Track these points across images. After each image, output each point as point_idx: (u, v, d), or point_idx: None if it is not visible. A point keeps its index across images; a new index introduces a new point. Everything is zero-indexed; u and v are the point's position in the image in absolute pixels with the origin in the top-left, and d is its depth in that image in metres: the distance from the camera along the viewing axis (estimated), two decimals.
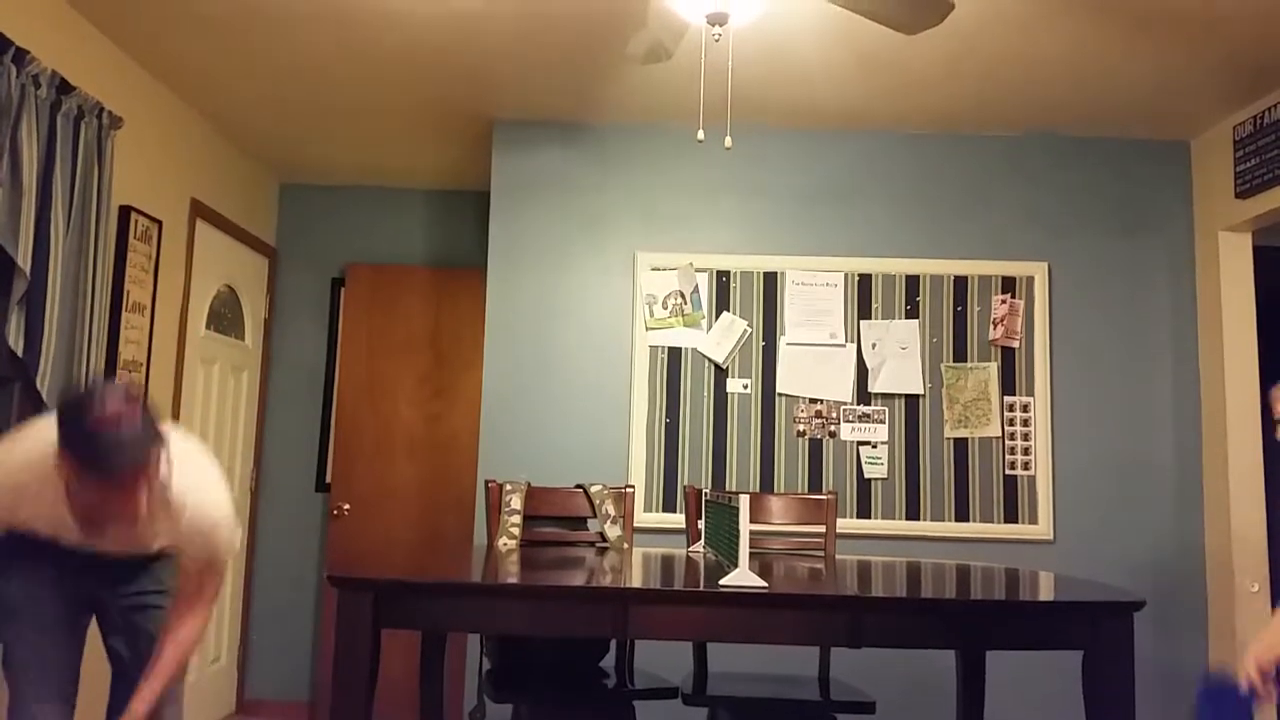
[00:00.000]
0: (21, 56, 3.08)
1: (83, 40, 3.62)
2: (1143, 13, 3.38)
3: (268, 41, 3.78)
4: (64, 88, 3.31)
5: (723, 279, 4.43)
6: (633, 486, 3.61)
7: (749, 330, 4.41)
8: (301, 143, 4.96)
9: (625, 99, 4.27)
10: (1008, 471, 4.32)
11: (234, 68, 4.04)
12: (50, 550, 2.51)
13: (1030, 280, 4.41)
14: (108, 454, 2.04)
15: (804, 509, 3.64)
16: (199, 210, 4.64)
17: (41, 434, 2.31)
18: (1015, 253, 4.46)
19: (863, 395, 4.37)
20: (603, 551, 3.28)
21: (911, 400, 4.37)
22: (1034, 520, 4.29)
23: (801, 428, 4.36)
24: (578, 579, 2.52)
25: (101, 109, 3.53)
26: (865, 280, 4.43)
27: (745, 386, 4.38)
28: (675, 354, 4.41)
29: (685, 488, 3.66)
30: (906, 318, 4.41)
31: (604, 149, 4.55)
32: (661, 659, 4.10)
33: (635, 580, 2.50)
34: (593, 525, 3.53)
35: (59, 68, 3.33)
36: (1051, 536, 4.28)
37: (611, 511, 3.47)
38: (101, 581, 2.59)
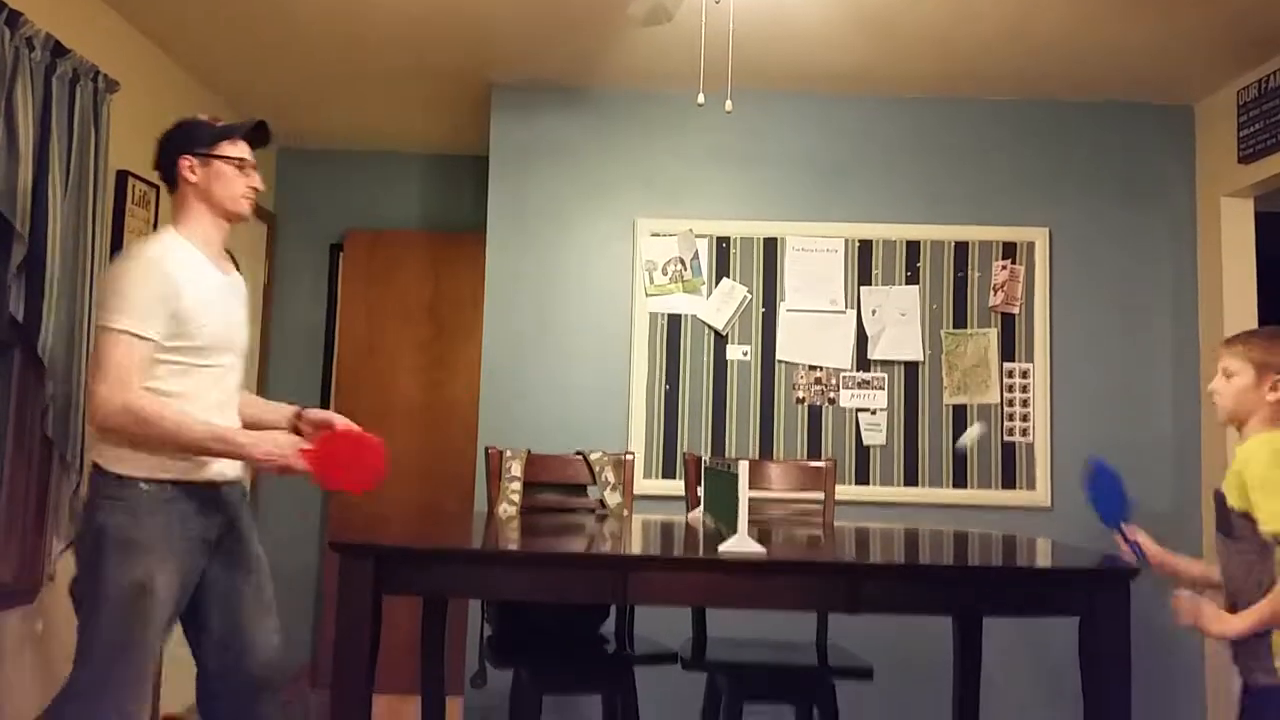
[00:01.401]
0: (15, 19, 3.05)
1: (76, 2, 3.58)
2: None
3: (264, 5, 3.74)
4: (58, 51, 3.27)
5: (723, 245, 4.42)
6: (632, 453, 3.62)
7: (749, 297, 4.40)
8: (299, 108, 4.92)
9: (625, 63, 4.23)
10: (1006, 438, 4.33)
11: (231, 32, 4.00)
12: (189, 509, 2.48)
13: (1031, 246, 4.40)
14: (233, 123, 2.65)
15: (803, 476, 3.65)
16: None
17: (143, 247, 2.52)
18: (1016, 218, 4.44)
19: (862, 362, 4.37)
20: (602, 518, 3.30)
21: (911, 367, 4.37)
22: (1032, 487, 4.30)
23: (801, 394, 4.36)
24: (578, 545, 2.53)
25: (97, 73, 3.49)
26: (865, 246, 4.41)
27: (745, 353, 4.38)
28: (675, 320, 4.40)
29: (685, 454, 3.67)
30: (906, 284, 4.40)
31: (604, 113, 4.52)
32: (661, 625, 4.13)
33: (635, 547, 2.51)
34: (593, 492, 3.54)
35: (53, 30, 3.29)
36: (1049, 503, 4.30)
37: (611, 478, 3.48)
38: (214, 538, 2.58)
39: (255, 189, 2.66)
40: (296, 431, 2.72)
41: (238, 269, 2.77)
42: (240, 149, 2.63)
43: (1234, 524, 2.32)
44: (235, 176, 2.61)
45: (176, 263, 2.50)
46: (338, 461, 2.46)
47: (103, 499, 2.43)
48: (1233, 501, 2.31)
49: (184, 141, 2.61)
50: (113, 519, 2.40)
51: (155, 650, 2.43)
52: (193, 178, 2.59)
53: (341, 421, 2.64)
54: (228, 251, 2.75)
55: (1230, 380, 2.46)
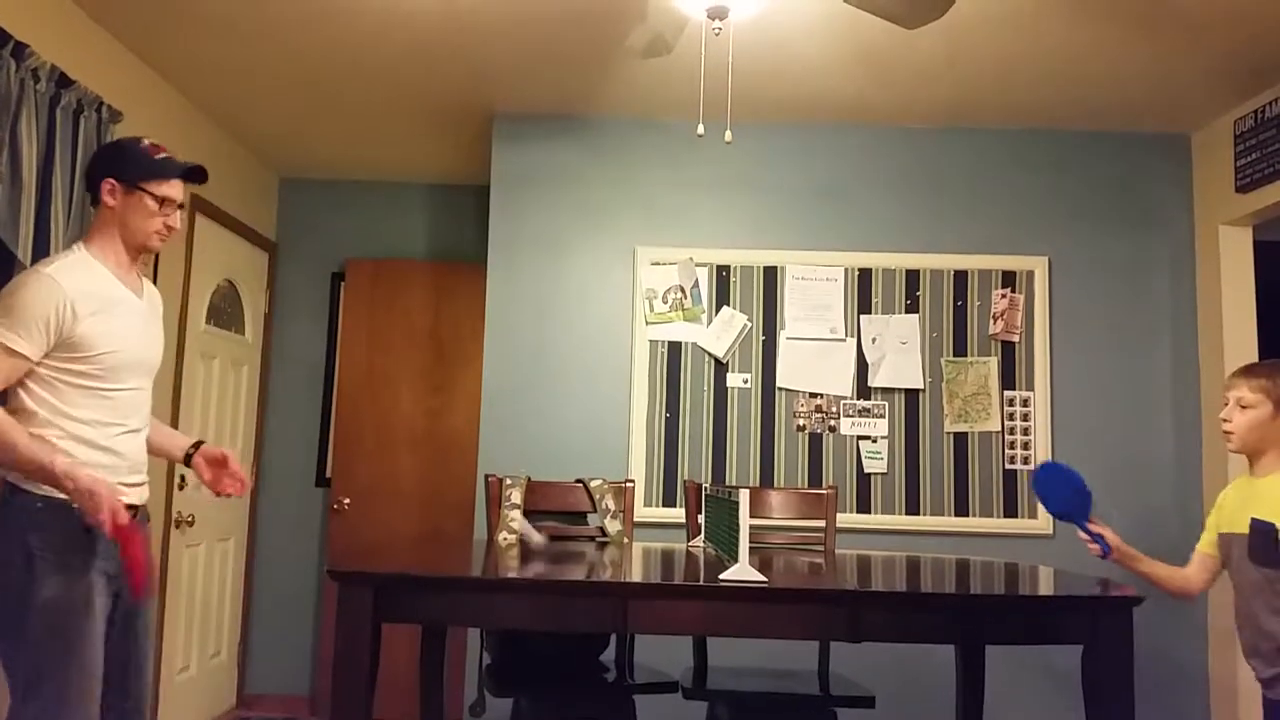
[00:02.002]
0: (21, 50, 3.08)
1: (82, 34, 3.62)
2: (1143, 7, 3.37)
3: (267, 36, 3.77)
4: (63, 82, 3.30)
5: (723, 273, 4.43)
6: (633, 481, 3.61)
7: (749, 325, 4.41)
8: (301, 137, 4.95)
9: (626, 93, 4.26)
10: (1007, 466, 4.32)
11: (234, 62, 4.04)
12: (92, 541, 2.37)
13: (1030, 274, 4.41)
14: (173, 158, 2.56)
15: (804, 503, 3.64)
16: (198, 205, 4.64)
17: (49, 265, 2.43)
18: (1015, 247, 4.46)
19: (863, 390, 4.37)
20: (603, 546, 3.28)
21: (911, 395, 4.37)
22: (1033, 515, 4.29)
23: (801, 422, 4.36)
24: (578, 573, 2.52)
25: (101, 103, 3.52)
26: (865, 275, 4.43)
27: (745, 381, 4.38)
28: (675, 348, 4.41)
29: (685, 482, 3.67)
30: (906, 312, 4.41)
31: (604, 143, 4.55)
32: (661, 653, 4.11)
33: (635, 575, 2.50)
34: (593, 520, 3.53)
35: (58, 62, 3.32)
36: (1051, 531, 4.28)
37: (611, 506, 3.47)
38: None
39: (171, 229, 2.56)
40: (187, 462, 2.72)
41: (169, 278, 2.71)
42: (169, 189, 2.54)
43: None
44: (153, 214, 2.52)
45: (80, 284, 2.41)
46: (134, 548, 2.33)
47: (28, 520, 2.33)
48: None
49: (112, 164, 2.52)
50: (44, 540, 2.32)
51: (100, 676, 2.36)
52: (111, 202, 2.50)
53: (234, 461, 2.66)
54: (145, 265, 2.70)
55: (1245, 412, 2.53)
